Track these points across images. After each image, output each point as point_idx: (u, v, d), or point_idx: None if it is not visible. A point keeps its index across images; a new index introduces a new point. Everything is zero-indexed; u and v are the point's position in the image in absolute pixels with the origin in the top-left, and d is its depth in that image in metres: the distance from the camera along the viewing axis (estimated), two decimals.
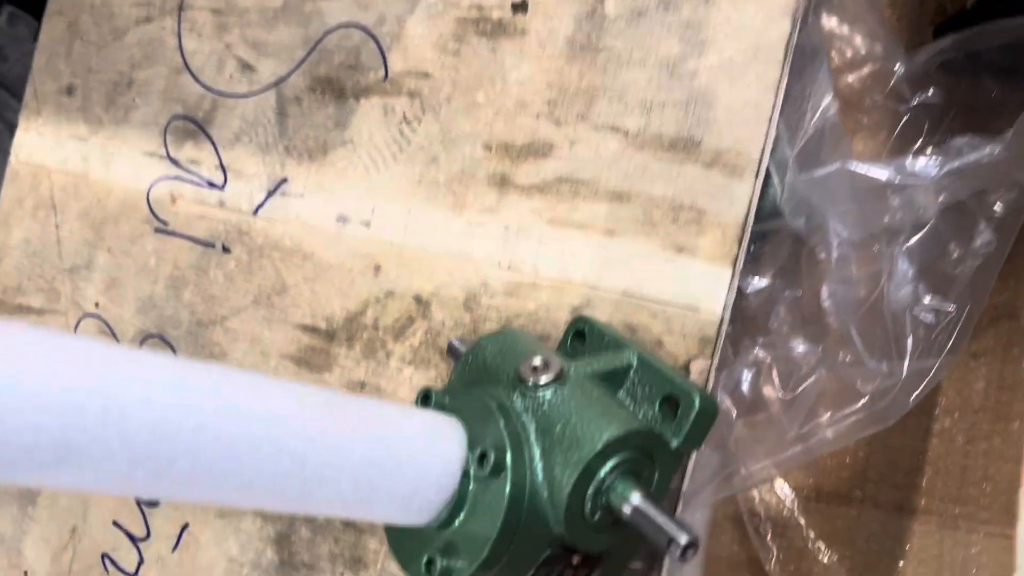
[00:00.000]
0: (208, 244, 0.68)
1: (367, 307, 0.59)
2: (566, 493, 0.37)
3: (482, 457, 0.38)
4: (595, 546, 0.40)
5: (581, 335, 0.47)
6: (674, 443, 0.40)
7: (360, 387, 0.58)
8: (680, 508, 0.47)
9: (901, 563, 0.67)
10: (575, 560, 0.41)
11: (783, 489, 0.72)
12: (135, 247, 0.72)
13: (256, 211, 0.66)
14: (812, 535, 0.70)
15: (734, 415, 0.53)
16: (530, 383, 0.39)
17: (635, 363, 0.43)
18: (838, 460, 0.71)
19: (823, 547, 0.70)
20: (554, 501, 0.37)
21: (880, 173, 0.44)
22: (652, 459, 0.39)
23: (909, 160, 0.43)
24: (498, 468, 0.37)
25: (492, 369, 0.42)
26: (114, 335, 0.71)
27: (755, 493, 0.73)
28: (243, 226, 0.66)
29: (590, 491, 0.37)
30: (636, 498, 0.36)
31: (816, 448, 0.51)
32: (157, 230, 0.71)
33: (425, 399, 0.42)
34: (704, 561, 0.77)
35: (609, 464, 0.37)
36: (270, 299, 0.64)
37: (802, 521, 0.71)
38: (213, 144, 0.69)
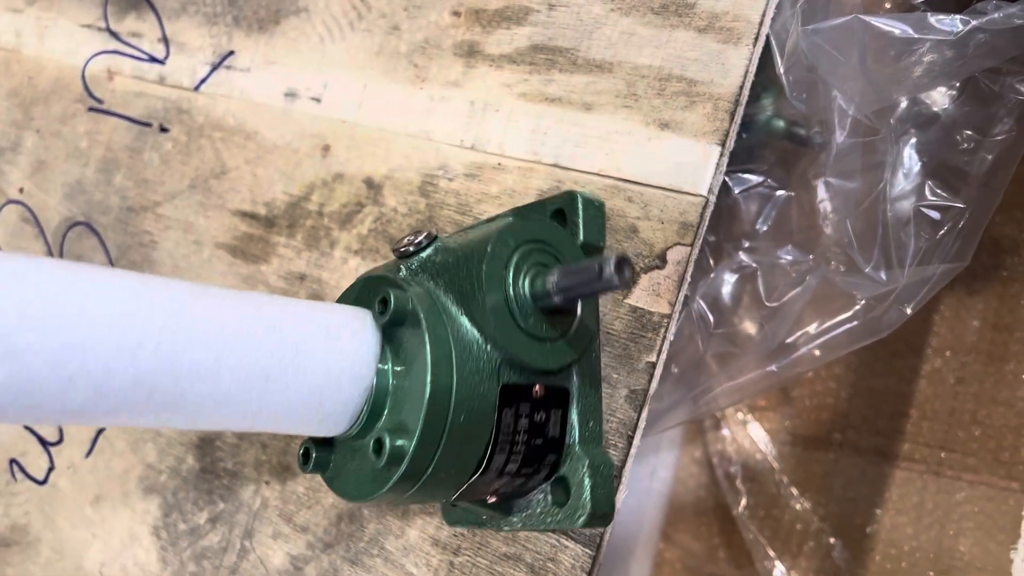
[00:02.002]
0: (144, 124, 0.61)
1: (312, 191, 0.53)
2: (488, 307, 0.35)
3: (383, 303, 0.35)
4: (544, 360, 0.36)
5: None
6: (580, 243, 0.40)
7: (300, 279, 0.52)
8: (644, 413, 0.42)
9: (878, 511, 0.62)
10: (537, 392, 0.37)
11: (756, 431, 0.67)
12: (66, 128, 0.65)
13: (198, 87, 0.59)
14: (785, 480, 0.65)
15: (712, 325, 0.47)
16: (410, 251, 0.38)
17: (511, 218, 0.41)
18: (817, 402, 0.66)
19: (796, 493, 0.65)
20: (484, 331, 0.35)
21: (896, 27, 0.38)
22: (557, 252, 0.38)
23: (930, 15, 0.38)
24: (401, 315, 0.35)
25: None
26: (37, 222, 0.65)
27: (726, 433, 0.68)
28: (183, 103, 0.60)
29: (510, 294, 0.36)
30: (553, 271, 0.35)
31: (801, 362, 0.45)
32: (91, 109, 0.64)
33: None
34: (666, 506, 0.72)
35: (513, 261, 0.36)
36: (208, 183, 0.57)
37: (776, 465, 0.66)
38: (156, 14, 0.62)
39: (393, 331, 0.35)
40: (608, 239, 0.43)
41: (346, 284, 0.51)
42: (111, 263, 0.60)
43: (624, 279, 0.32)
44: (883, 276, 0.45)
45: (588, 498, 0.37)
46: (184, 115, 0.59)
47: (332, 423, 0.35)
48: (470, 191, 0.48)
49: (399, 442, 0.33)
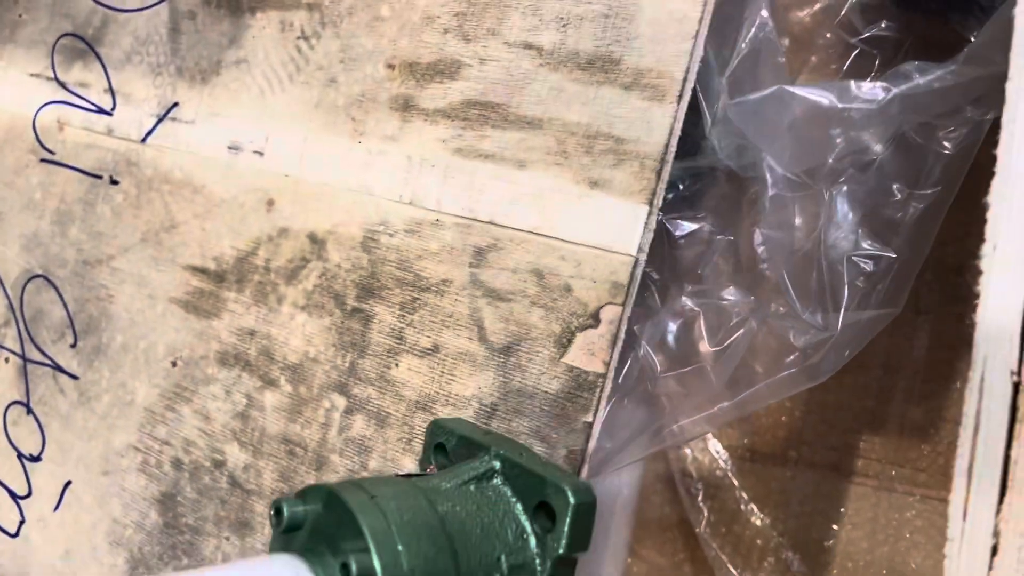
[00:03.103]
0: (96, 176, 0.62)
1: (259, 246, 0.54)
2: None
3: (344, 568, 0.32)
4: None
5: (442, 447, 0.42)
6: (559, 551, 0.36)
7: (250, 335, 0.53)
8: (584, 472, 0.43)
9: (835, 526, 0.64)
10: None
11: (716, 449, 0.69)
12: (19, 179, 0.66)
13: (145, 139, 0.59)
14: (745, 496, 0.67)
15: (658, 368, 0.48)
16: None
17: (498, 467, 0.39)
18: (773, 419, 0.67)
19: (756, 509, 0.66)
20: None
21: (822, 97, 0.39)
22: None
23: (853, 84, 0.38)
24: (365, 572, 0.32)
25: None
26: None
27: (688, 452, 0.69)
28: (132, 156, 0.60)
29: None
30: None
31: (747, 403, 0.46)
32: (43, 160, 0.65)
33: (278, 515, 0.35)
34: (633, 523, 0.74)
35: None
36: (159, 236, 0.58)
37: (736, 482, 0.67)
38: (103, 65, 0.63)
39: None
40: (544, 299, 0.44)
41: (293, 340, 0.51)
42: (69, 317, 0.61)
43: None
44: (819, 320, 0.46)
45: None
46: (133, 167, 0.60)
47: None
48: (410, 247, 0.48)
49: None
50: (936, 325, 0.61)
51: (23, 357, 0.63)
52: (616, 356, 0.43)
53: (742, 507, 0.67)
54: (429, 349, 0.47)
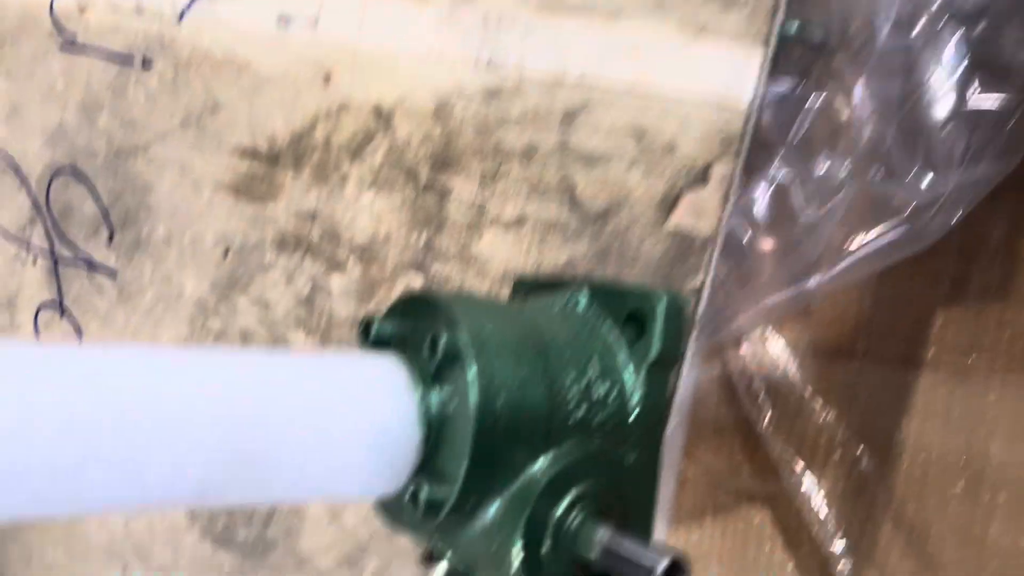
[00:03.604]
0: (125, 60, 0.57)
1: (316, 123, 0.50)
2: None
3: (432, 343, 0.30)
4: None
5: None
6: (652, 356, 0.34)
7: (311, 217, 0.50)
8: (692, 340, 0.40)
9: (905, 419, 0.62)
10: None
11: (777, 345, 0.67)
12: (38, 68, 0.61)
13: (180, 17, 0.55)
14: (808, 393, 0.65)
15: (746, 240, 0.45)
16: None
17: (584, 293, 0.36)
18: (838, 312, 0.65)
19: (821, 405, 0.64)
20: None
21: None
22: (623, 500, 0.32)
23: None
24: (454, 355, 0.30)
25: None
26: (18, 172, 0.61)
27: (746, 349, 0.67)
28: (165, 36, 0.56)
29: (546, 537, 0.31)
30: (600, 537, 0.30)
31: (845, 275, 0.44)
32: (64, 47, 0.60)
33: (365, 330, 0.34)
34: (687, 426, 0.72)
35: (566, 502, 0.31)
36: (201, 120, 0.54)
37: (798, 378, 0.65)
38: None
39: (443, 368, 0.32)
40: (644, 159, 0.41)
41: (360, 221, 0.48)
42: (104, 210, 0.57)
43: None
44: (926, 182, 0.43)
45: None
46: (168, 49, 0.55)
47: (383, 481, 0.32)
48: (489, 115, 0.45)
49: (438, 492, 0.30)
50: (1016, 207, 0.58)
51: (53, 256, 0.59)
52: (727, 215, 0.40)
53: (806, 404, 0.65)
54: (515, 221, 0.44)
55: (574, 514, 0.30)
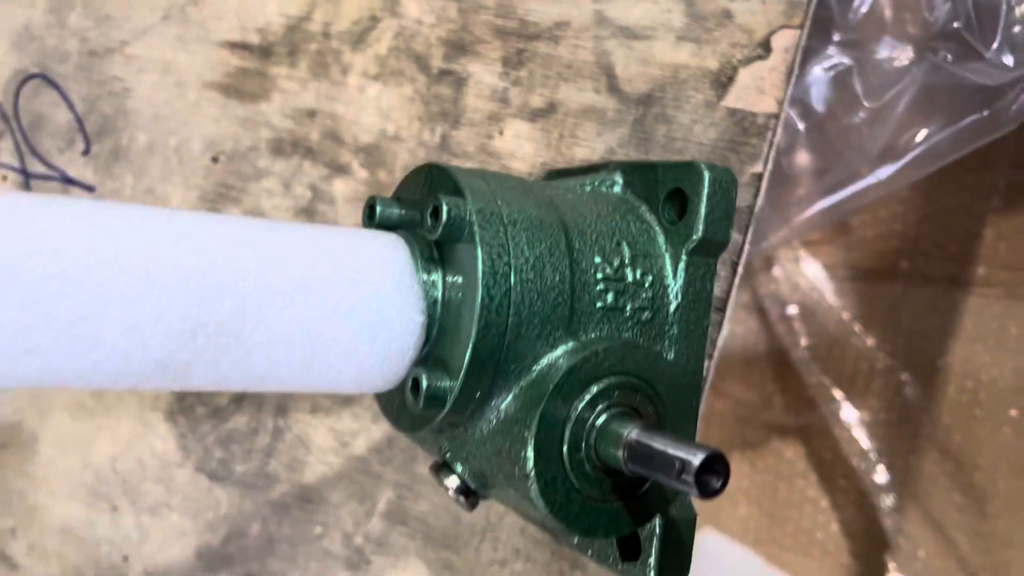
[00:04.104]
0: None
1: (313, 9, 0.44)
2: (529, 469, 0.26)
3: (435, 212, 0.27)
4: (589, 525, 0.27)
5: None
6: (695, 235, 0.29)
7: (310, 116, 0.44)
8: (750, 233, 0.35)
9: (952, 343, 0.58)
10: None
11: (811, 268, 0.62)
12: None
13: None
14: (848, 317, 0.60)
15: (802, 131, 0.40)
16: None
17: (619, 176, 0.32)
18: (879, 230, 0.60)
19: (861, 330, 0.60)
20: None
21: None
22: (652, 393, 0.28)
23: None
24: (458, 226, 0.26)
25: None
26: None
27: (778, 273, 0.63)
28: None
29: (569, 437, 0.26)
30: (629, 434, 0.25)
31: (916, 166, 0.39)
32: None
33: (370, 212, 0.30)
34: (713, 358, 0.67)
35: (589, 395, 0.26)
36: (184, 12, 0.48)
37: (835, 303, 0.61)
38: None
39: (448, 245, 0.28)
40: (695, 30, 0.36)
41: (366, 118, 0.43)
42: (77, 118, 0.51)
43: (709, 491, 0.23)
44: (1009, 60, 0.38)
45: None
46: None
47: (377, 372, 0.28)
48: None
49: (439, 383, 0.26)
50: None
51: (24, 172, 0.53)
52: (790, 91, 0.35)
53: (845, 329, 0.61)
54: (543, 109, 0.39)
55: (599, 411, 0.26)
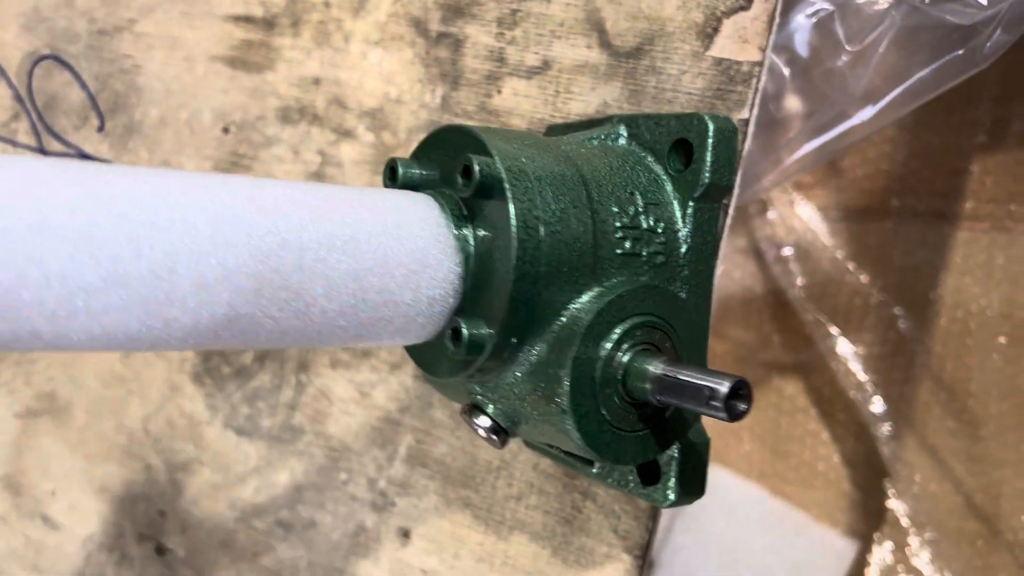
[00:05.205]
0: None
1: None
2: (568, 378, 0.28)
3: (466, 171, 0.28)
4: (615, 451, 0.29)
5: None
6: (703, 182, 0.32)
7: (315, 84, 0.46)
8: (738, 176, 0.37)
9: (942, 276, 0.60)
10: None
11: (805, 210, 0.64)
12: None
13: None
14: (841, 256, 0.62)
15: (788, 78, 0.42)
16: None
17: (623, 128, 0.34)
18: (870, 169, 0.62)
19: (854, 267, 0.62)
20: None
21: None
22: (670, 330, 0.30)
23: None
24: (489, 184, 0.28)
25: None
26: None
27: (772, 216, 0.65)
28: None
29: (598, 376, 0.28)
30: (655, 368, 0.27)
31: (896, 106, 0.41)
32: None
33: (391, 174, 0.32)
34: (714, 300, 0.70)
35: (614, 337, 0.28)
36: None
37: (829, 242, 0.63)
38: None
39: (477, 202, 0.30)
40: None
41: (369, 83, 0.45)
42: (91, 97, 0.53)
43: (736, 413, 0.25)
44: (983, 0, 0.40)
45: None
46: None
47: (418, 327, 0.30)
48: None
49: (478, 330, 0.28)
50: None
51: (42, 150, 0.55)
52: (772, 39, 0.37)
53: (839, 267, 0.63)
54: (538, 67, 0.41)
55: (625, 349, 0.28)
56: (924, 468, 0.60)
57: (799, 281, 0.63)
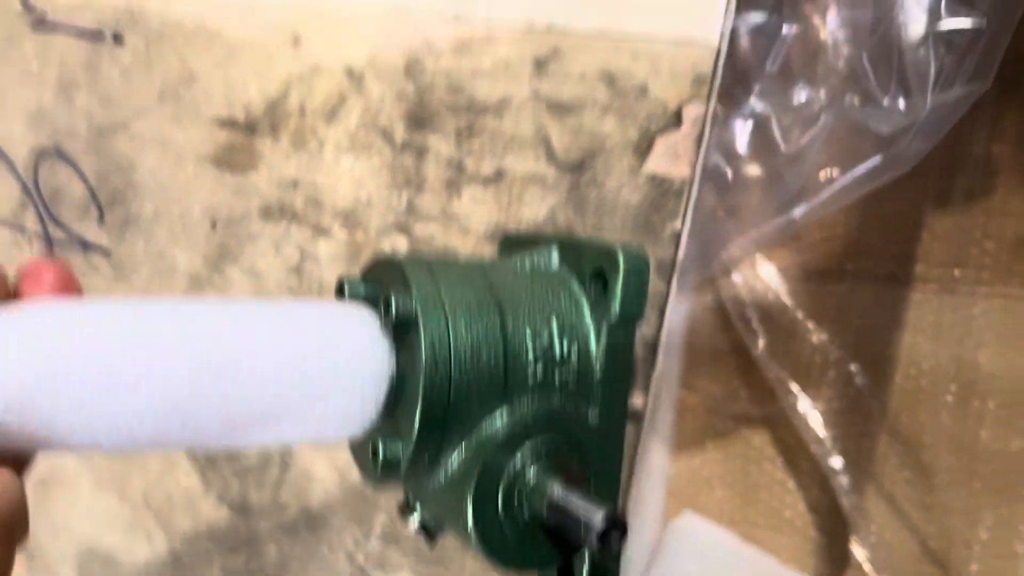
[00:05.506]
0: (96, 36, 0.57)
1: (290, 88, 0.50)
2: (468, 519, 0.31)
3: (386, 305, 0.32)
4: (515, 557, 0.32)
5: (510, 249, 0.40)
6: (613, 314, 0.34)
7: (293, 185, 0.50)
8: (675, 282, 0.41)
9: (896, 334, 0.63)
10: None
11: (766, 271, 0.67)
12: (11, 50, 0.61)
13: None
14: (801, 315, 0.66)
15: (730, 177, 0.46)
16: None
17: (555, 250, 0.37)
18: (826, 234, 0.65)
19: (814, 326, 0.66)
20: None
21: None
22: (580, 449, 0.33)
23: None
24: (405, 319, 0.31)
25: None
26: (4, 156, 0.61)
27: (737, 278, 0.68)
28: (134, 9, 0.55)
29: (503, 485, 0.31)
30: (550, 492, 0.30)
31: (828, 204, 0.44)
32: (34, 26, 0.60)
33: (340, 291, 0.35)
34: (684, 355, 0.73)
35: (522, 452, 0.32)
36: (177, 92, 0.54)
37: (789, 303, 0.66)
38: None
39: (399, 331, 0.33)
40: (617, 104, 0.41)
41: (342, 186, 0.49)
42: (91, 191, 0.57)
43: (608, 549, 0.27)
44: (902, 105, 0.43)
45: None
46: (138, 22, 0.55)
47: (348, 424, 0.33)
48: (461, 68, 0.45)
49: (394, 449, 0.31)
50: (994, 120, 0.58)
51: (47, 238, 0.60)
52: (702, 157, 0.40)
53: (799, 326, 0.66)
54: (493, 176, 0.45)
55: (530, 469, 0.31)
56: (882, 516, 0.64)
57: (762, 338, 0.66)
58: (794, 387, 0.65)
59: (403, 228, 0.47)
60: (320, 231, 0.49)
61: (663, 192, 0.41)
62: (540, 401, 0.33)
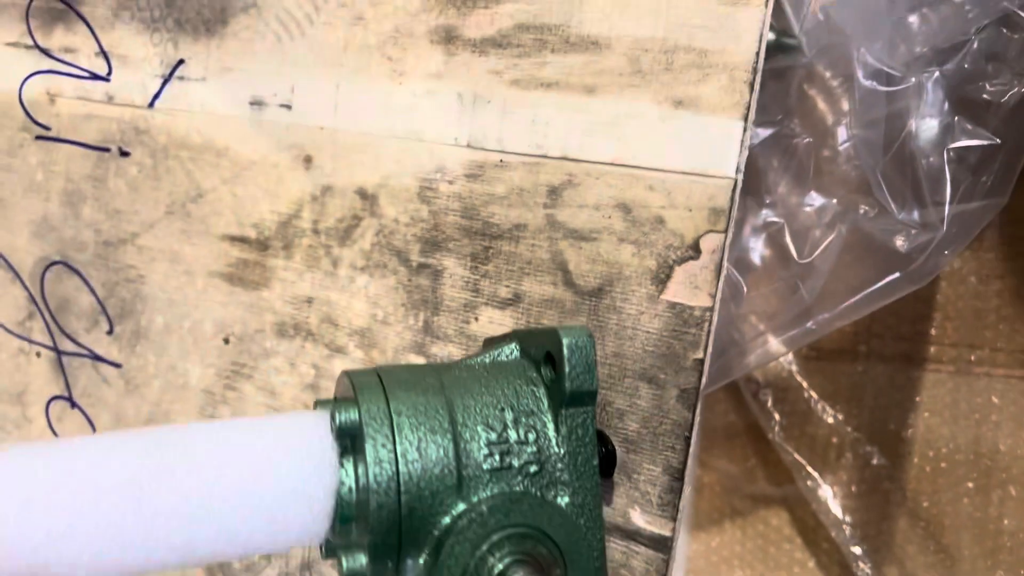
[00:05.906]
0: (102, 148, 0.57)
1: (302, 208, 0.50)
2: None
3: (332, 421, 0.33)
4: None
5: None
6: (565, 391, 0.34)
7: (307, 303, 0.50)
8: (699, 409, 0.41)
9: (912, 416, 0.63)
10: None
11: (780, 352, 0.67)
12: (16, 161, 0.61)
13: (152, 103, 0.54)
14: (815, 396, 0.66)
15: (745, 289, 0.46)
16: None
17: (515, 344, 0.38)
18: None
19: (828, 407, 0.65)
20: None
21: None
22: (551, 545, 0.32)
23: None
24: (350, 430, 0.32)
25: None
26: (10, 266, 0.61)
27: (751, 358, 0.68)
28: (140, 123, 0.55)
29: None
30: None
31: (843, 316, 0.44)
32: (39, 138, 0.59)
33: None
34: (701, 434, 0.73)
35: (488, 544, 0.31)
36: (186, 208, 0.54)
37: (803, 383, 0.66)
38: (87, 25, 0.57)
39: (351, 445, 0.33)
40: (633, 234, 0.41)
41: (357, 304, 0.48)
42: (99, 302, 0.57)
43: None
44: (917, 219, 0.43)
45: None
46: (144, 136, 0.55)
47: (300, 536, 0.33)
48: (474, 193, 0.45)
49: (354, 560, 0.32)
50: (1011, 202, 0.58)
51: (56, 349, 0.59)
52: (721, 286, 0.40)
53: (813, 407, 0.66)
54: (510, 299, 0.44)
55: (493, 563, 0.31)
56: None
57: (777, 419, 0.66)
58: (811, 469, 0.65)
59: (420, 348, 0.47)
60: (336, 349, 0.49)
61: (684, 321, 0.40)
62: (498, 488, 0.33)
